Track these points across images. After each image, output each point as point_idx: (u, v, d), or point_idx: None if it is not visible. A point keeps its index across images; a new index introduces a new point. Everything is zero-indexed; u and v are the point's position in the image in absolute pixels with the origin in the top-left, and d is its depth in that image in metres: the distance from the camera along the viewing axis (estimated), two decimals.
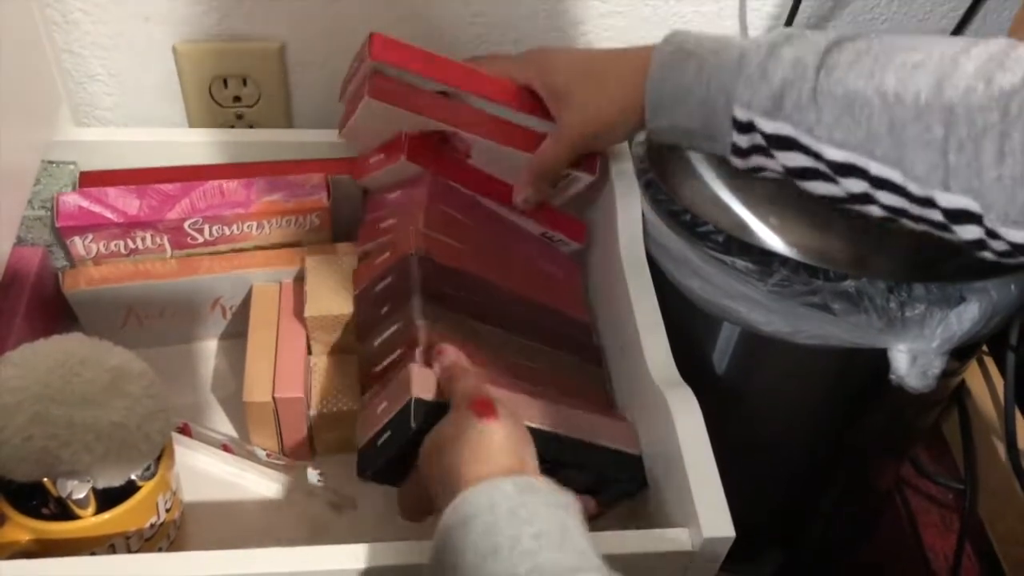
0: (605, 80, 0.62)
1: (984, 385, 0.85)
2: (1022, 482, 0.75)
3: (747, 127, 0.54)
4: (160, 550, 0.59)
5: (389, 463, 0.53)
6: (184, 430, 0.66)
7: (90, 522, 0.54)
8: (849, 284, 0.60)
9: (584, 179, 0.68)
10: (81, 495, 0.53)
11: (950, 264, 0.59)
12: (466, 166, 0.69)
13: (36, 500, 0.55)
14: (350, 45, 0.66)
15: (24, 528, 0.53)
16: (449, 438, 0.48)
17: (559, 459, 0.56)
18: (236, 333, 0.73)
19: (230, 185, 0.70)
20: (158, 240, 0.69)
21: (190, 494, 0.64)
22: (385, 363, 0.59)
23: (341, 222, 0.73)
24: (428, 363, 0.56)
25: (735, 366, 0.69)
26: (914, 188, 0.49)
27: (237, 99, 0.77)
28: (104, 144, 0.72)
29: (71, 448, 0.51)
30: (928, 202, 0.49)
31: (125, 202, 0.68)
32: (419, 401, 0.53)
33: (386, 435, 0.53)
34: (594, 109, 0.63)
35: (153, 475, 0.57)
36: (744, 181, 0.62)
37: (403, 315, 0.59)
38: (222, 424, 0.70)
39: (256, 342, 0.66)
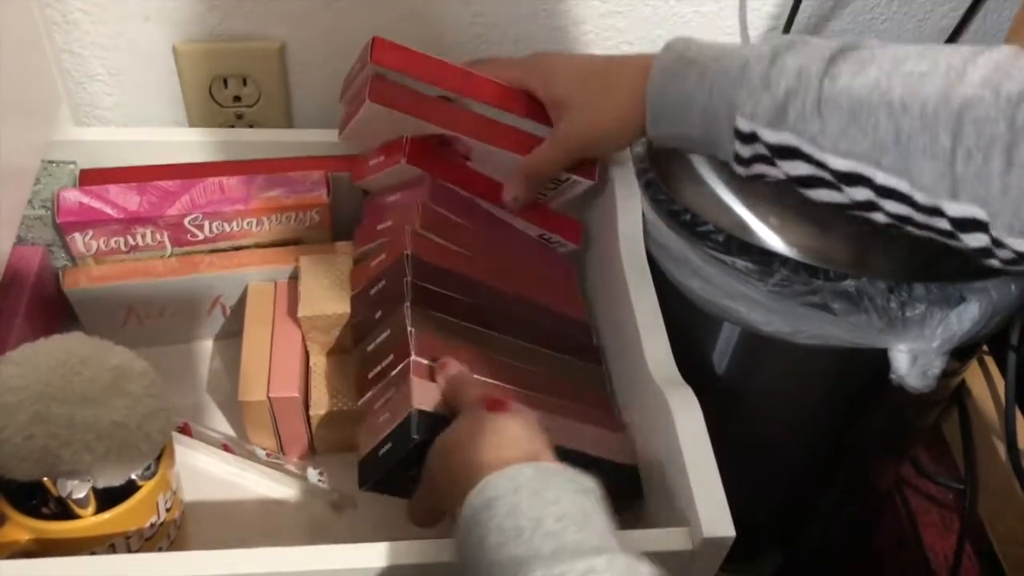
0: (605, 88, 0.62)
1: (984, 385, 0.85)
2: (1022, 482, 0.75)
3: (750, 137, 0.54)
4: (160, 550, 0.59)
5: (390, 474, 0.54)
6: (184, 429, 0.66)
7: (90, 522, 0.54)
8: (849, 284, 0.60)
9: (583, 184, 0.68)
10: (81, 494, 0.53)
11: (950, 264, 0.59)
12: (466, 169, 0.69)
13: (36, 499, 0.55)
14: (350, 45, 0.66)
15: (24, 527, 0.53)
16: (465, 435, 0.49)
17: None
18: (236, 332, 0.72)
19: (230, 182, 0.70)
20: (158, 237, 0.69)
21: (190, 494, 0.64)
22: (378, 368, 0.59)
23: (341, 219, 0.73)
24: (423, 371, 0.56)
25: (735, 366, 0.69)
26: (921, 197, 0.49)
27: (237, 99, 0.77)
28: (104, 144, 0.72)
29: (72, 447, 0.51)
30: (935, 211, 0.49)
31: (125, 198, 0.68)
32: (421, 412, 0.54)
33: (387, 446, 0.54)
34: (592, 117, 0.63)
35: (153, 475, 0.57)
36: (744, 181, 0.62)
37: (395, 321, 0.59)
38: (222, 424, 0.70)
39: (251, 341, 0.66)
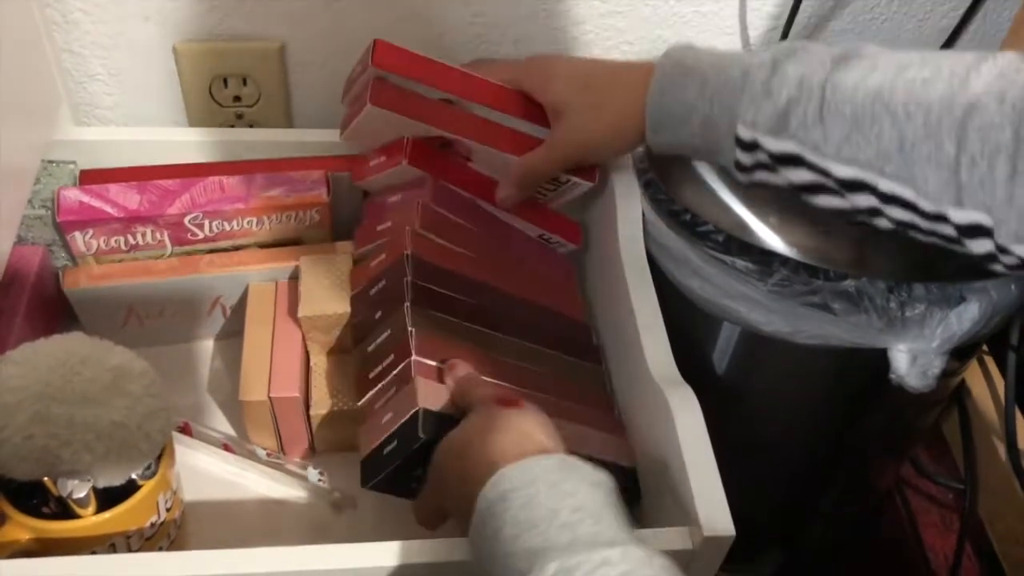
0: (604, 95, 0.62)
1: (984, 385, 0.85)
2: (1022, 482, 0.75)
3: (751, 146, 0.54)
4: (160, 549, 0.59)
5: (394, 473, 0.54)
6: (185, 429, 0.66)
7: (90, 521, 0.54)
8: (849, 284, 0.60)
9: (583, 185, 0.68)
10: (82, 494, 0.53)
11: (950, 264, 0.59)
12: (467, 169, 0.69)
13: (36, 499, 0.55)
14: (350, 45, 0.66)
15: (24, 527, 0.53)
16: (477, 431, 0.49)
17: None
18: (236, 332, 0.72)
19: (230, 181, 0.70)
20: (158, 236, 0.69)
21: (191, 493, 0.64)
22: (379, 368, 0.59)
23: (341, 219, 0.73)
24: (426, 371, 0.56)
25: (735, 366, 0.69)
26: (925, 204, 0.49)
27: (237, 99, 0.77)
28: (104, 143, 0.72)
29: (72, 447, 0.51)
30: (940, 218, 0.48)
31: (126, 197, 0.68)
32: (426, 411, 0.54)
33: (392, 445, 0.54)
34: (590, 124, 0.63)
35: (154, 474, 0.57)
36: None
37: (396, 321, 0.59)
38: (222, 423, 0.70)
39: (252, 341, 0.66)
